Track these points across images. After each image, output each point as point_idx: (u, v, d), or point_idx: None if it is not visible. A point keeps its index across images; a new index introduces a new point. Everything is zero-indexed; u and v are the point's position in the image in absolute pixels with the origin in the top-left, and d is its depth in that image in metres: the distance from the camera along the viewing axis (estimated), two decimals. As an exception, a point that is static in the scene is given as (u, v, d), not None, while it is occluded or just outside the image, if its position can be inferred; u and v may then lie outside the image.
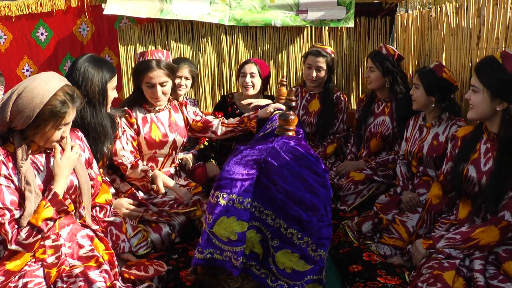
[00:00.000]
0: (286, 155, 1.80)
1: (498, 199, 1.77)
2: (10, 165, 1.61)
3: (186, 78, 3.18)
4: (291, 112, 1.91)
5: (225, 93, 3.76)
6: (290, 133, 1.90)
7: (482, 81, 1.81)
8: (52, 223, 1.65)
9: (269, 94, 3.67)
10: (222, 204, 1.70)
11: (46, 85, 1.58)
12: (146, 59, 2.43)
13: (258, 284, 1.78)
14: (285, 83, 2.77)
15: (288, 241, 1.73)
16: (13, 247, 1.59)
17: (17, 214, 1.60)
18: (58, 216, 1.69)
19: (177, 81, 3.13)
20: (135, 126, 2.48)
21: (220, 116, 2.89)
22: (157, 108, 2.56)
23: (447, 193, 2.10)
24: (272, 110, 2.47)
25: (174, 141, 2.59)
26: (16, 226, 1.59)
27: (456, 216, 1.99)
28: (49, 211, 1.63)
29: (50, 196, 1.65)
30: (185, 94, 3.37)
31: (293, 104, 1.91)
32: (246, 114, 2.64)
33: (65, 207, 1.69)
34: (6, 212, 1.57)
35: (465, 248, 1.78)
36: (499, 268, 1.72)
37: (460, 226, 1.91)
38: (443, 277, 1.66)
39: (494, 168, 1.80)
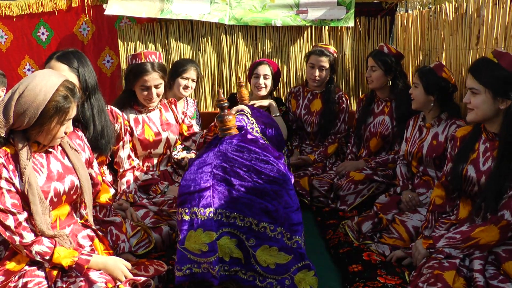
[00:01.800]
0: (233, 154, 1.81)
1: (498, 198, 1.77)
2: (11, 167, 1.60)
3: (193, 80, 3.22)
4: (226, 112, 1.92)
5: (225, 93, 3.77)
6: (233, 132, 1.91)
7: (481, 82, 1.81)
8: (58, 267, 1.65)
9: (275, 96, 3.66)
10: (187, 220, 1.73)
11: (47, 82, 1.58)
12: (139, 61, 2.44)
13: None
14: (243, 84, 2.80)
15: (263, 237, 1.74)
16: (22, 250, 1.60)
17: (21, 217, 1.60)
18: (68, 269, 1.66)
19: (184, 82, 3.17)
20: (128, 128, 2.49)
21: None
22: (148, 109, 2.57)
23: (450, 194, 2.09)
24: (234, 112, 2.47)
25: (167, 140, 2.61)
26: (28, 232, 1.60)
27: (456, 216, 1.99)
28: (68, 262, 1.62)
29: (83, 257, 1.65)
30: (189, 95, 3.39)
31: (225, 104, 1.92)
32: (213, 123, 2.65)
33: (79, 273, 1.64)
34: (9, 215, 1.57)
35: (465, 247, 1.78)
36: (499, 268, 1.72)
37: (460, 226, 1.91)
38: (443, 277, 1.67)
39: (494, 167, 1.80)
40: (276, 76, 3.26)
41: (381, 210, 2.39)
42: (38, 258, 1.61)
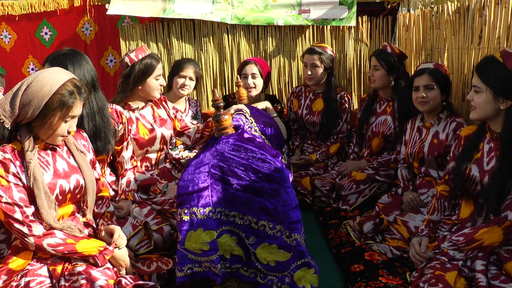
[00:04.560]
0: (230, 153, 1.81)
1: (500, 199, 1.77)
2: (18, 163, 1.62)
3: (191, 79, 3.21)
4: (222, 112, 1.92)
5: (227, 93, 3.77)
6: (229, 131, 1.90)
7: (484, 81, 1.81)
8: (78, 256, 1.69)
9: (270, 94, 3.67)
10: (186, 220, 1.73)
11: (55, 76, 1.62)
12: (145, 56, 2.51)
13: (253, 285, 1.80)
14: (241, 84, 2.78)
15: (262, 234, 1.75)
16: (31, 239, 1.60)
17: (28, 210, 1.61)
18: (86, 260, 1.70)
19: (181, 80, 3.17)
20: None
21: None
22: (140, 106, 2.58)
23: (452, 192, 2.08)
24: (232, 111, 2.48)
25: (163, 136, 2.61)
26: (38, 224, 1.61)
27: (457, 216, 1.99)
28: (93, 251, 1.68)
29: (109, 249, 1.72)
30: (187, 95, 3.39)
31: (220, 104, 1.92)
32: (210, 118, 2.64)
33: (100, 265, 1.69)
34: (16, 208, 1.58)
35: (469, 249, 1.77)
36: (501, 268, 1.72)
37: (462, 226, 1.91)
38: (444, 277, 1.67)
39: (497, 167, 1.80)
40: (265, 73, 3.22)
41: (383, 211, 2.39)
42: (50, 249, 1.62)
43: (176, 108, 2.74)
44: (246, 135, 1.92)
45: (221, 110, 1.93)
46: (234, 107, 2.40)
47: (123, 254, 1.80)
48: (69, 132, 1.70)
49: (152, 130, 2.57)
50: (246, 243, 1.77)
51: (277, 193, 1.75)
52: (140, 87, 2.51)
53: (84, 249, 1.67)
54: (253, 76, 3.14)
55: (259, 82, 3.16)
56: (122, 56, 2.58)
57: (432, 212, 2.08)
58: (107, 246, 1.73)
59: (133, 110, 2.56)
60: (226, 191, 1.77)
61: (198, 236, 1.72)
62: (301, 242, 1.74)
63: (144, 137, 2.54)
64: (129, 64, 2.48)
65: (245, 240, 1.77)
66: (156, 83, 2.53)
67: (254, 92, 3.16)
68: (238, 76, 2.98)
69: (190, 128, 2.70)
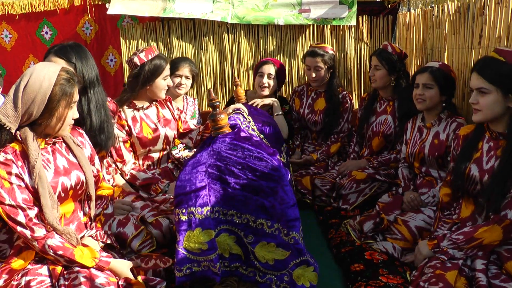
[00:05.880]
0: (227, 152, 1.81)
1: (501, 198, 1.77)
2: (20, 163, 1.62)
3: (187, 78, 3.21)
4: (218, 111, 1.92)
5: (227, 92, 3.77)
6: (225, 130, 1.90)
7: (491, 81, 1.79)
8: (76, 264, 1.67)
9: (279, 95, 3.66)
10: (184, 220, 1.73)
11: (48, 70, 1.63)
12: (154, 57, 2.51)
13: (252, 284, 1.80)
14: (238, 83, 2.78)
15: (261, 233, 1.75)
16: (35, 243, 1.61)
17: (31, 213, 1.61)
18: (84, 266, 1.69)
19: (177, 80, 3.17)
20: (126, 128, 2.51)
21: None
22: (144, 106, 2.59)
23: (455, 192, 2.07)
24: (230, 111, 2.48)
25: (166, 136, 2.62)
26: (40, 227, 1.61)
27: (458, 215, 1.99)
28: (90, 263, 1.66)
29: (103, 260, 1.70)
30: (185, 94, 3.39)
31: (216, 103, 1.92)
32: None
33: (101, 268, 1.70)
34: (19, 210, 1.58)
35: (468, 248, 1.78)
36: (501, 267, 1.72)
37: (462, 226, 1.91)
38: (445, 277, 1.67)
39: (498, 166, 1.79)
40: (280, 76, 3.26)
41: (384, 210, 2.39)
42: (51, 252, 1.62)
43: (180, 110, 2.76)
44: (242, 134, 1.91)
45: (217, 110, 1.93)
46: (232, 106, 2.41)
47: (123, 267, 1.76)
48: (73, 119, 1.72)
49: (155, 130, 2.58)
50: (245, 241, 1.77)
51: (275, 191, 1.74)
52: (148, 87, 2.53)
53: (81, 258, 1.65)
54: (269, 76, 3.17)
55: (273, 83, 3.20)
56: (130, 55, 2.58)
57: (437, 228, 2.07)
58: (102, 258, 1.71)
59: (138, 109, 2.58)
60: (224, 190, 1.77)
61: (196, 236, 1.72)
62: (299, 240, 1.74)
63: (147, 136, 2.55)
64: (138, 64, 2.48)
65: (244, 239, 1.77)
66: (163, 83, 2.55)
67: (266, 92, 3.19)
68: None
69: (193, 130, 2.71)
